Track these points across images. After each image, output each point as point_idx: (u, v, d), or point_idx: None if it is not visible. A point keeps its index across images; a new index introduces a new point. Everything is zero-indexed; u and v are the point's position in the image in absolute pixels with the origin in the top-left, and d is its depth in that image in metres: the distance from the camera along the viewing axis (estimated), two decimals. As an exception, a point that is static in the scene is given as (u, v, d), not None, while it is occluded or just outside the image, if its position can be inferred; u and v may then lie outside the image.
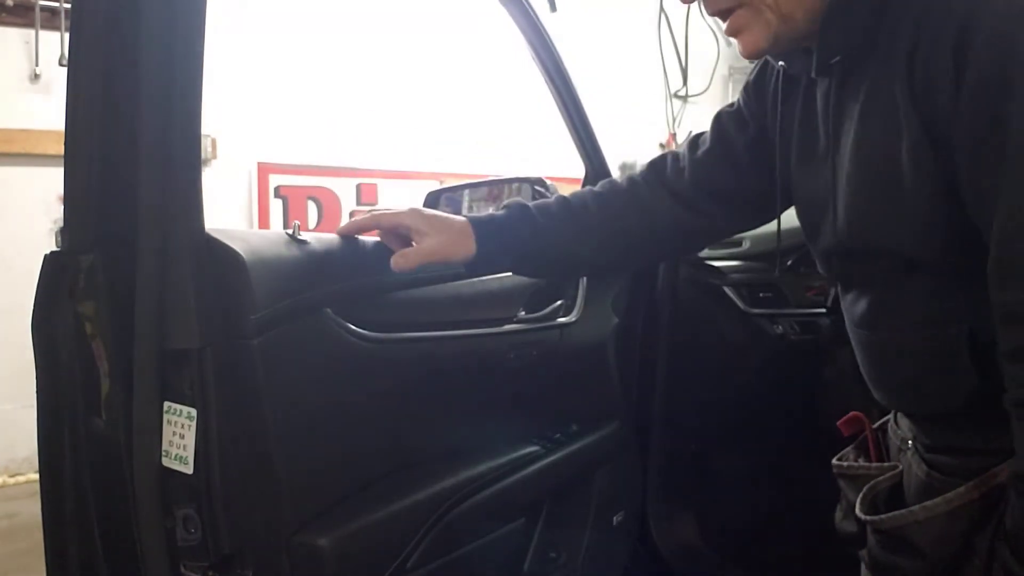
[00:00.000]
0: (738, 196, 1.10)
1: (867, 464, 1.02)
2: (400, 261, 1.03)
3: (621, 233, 1.13)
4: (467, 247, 1.07)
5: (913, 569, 0.89)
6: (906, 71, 0.79)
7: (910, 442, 0.96)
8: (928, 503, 0.86)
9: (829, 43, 0.86)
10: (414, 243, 1.06)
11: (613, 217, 1.12)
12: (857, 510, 0.94)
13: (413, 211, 1.07)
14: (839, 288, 0.99)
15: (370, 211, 1.10)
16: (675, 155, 1.14)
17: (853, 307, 0.95)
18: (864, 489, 0.96)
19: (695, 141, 1.15)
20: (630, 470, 1.63)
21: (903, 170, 0.80)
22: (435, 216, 1.07)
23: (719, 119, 1.13)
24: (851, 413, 1.09)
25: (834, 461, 1.06)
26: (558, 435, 1.45)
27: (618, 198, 1.13)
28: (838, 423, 1.10)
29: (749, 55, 0.90)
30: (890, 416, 1.06)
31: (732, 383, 1.73)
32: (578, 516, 1.51)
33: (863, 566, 1.07)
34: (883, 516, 0.91)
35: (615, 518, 1.58)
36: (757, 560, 1.71)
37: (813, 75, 0.91)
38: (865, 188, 0.86)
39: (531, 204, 1.11)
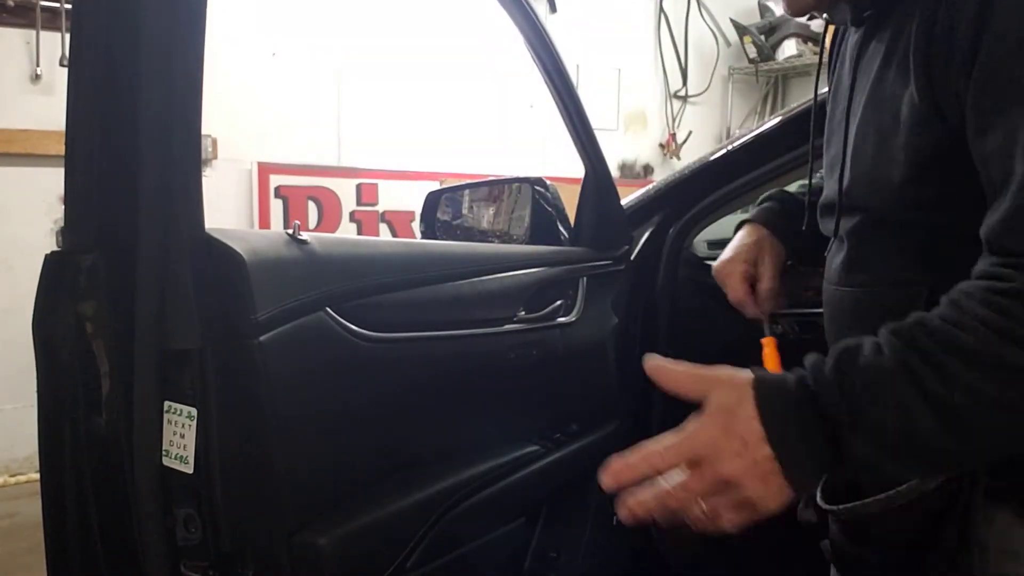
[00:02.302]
0: None
1: None
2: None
3: None
4: None
5: (878, 560, 0.89)
6: (924, 23, 0.77)
7: None
8: (882, 496, 0.85)
9: None
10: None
11: None
12: (818, 498, 0.93)
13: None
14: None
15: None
16: None
17: (830, 262, 0.95)
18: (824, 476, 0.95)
19: None
20: (630, 470, 1.63)
21: (901, 125, 0.80)
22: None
23: None
24: None
25: None
26: (558, 435, 1.45)
27: None
28: None
29: (797, 10, 0.91)
30: None
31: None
32: (578, 516, 1.51)
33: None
34: (840, 508, 0.90)
35: (615, 518, 1.58)
36: (758, 559, 1.71)
37: (850, 24, 0.91)
38: (865, 142, 0.86)
39: None
